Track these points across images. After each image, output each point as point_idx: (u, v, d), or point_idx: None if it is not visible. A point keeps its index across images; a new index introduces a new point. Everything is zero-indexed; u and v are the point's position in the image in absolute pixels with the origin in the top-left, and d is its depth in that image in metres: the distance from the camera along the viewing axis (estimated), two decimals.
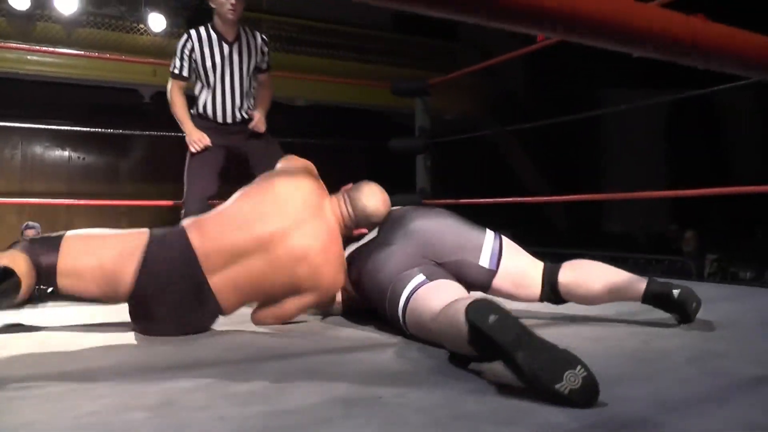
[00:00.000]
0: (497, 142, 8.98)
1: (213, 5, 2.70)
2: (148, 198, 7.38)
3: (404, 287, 1.66)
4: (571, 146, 8.99)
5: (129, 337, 1.80)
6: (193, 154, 2.85)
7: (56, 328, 1.93)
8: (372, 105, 7.07)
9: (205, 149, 2.83)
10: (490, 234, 1.85)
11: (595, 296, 1.82)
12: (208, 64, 2.77)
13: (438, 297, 1.54)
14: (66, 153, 7.26)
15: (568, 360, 1.10)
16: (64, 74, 5.83)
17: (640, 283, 1.77)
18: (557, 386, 1.08)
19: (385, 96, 5.79)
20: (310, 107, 7.46)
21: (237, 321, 2.05)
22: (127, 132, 6.25)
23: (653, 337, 1.68)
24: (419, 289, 1.63)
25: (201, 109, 2.86)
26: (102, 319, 2.11)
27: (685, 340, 1.64)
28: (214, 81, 2.81)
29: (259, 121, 2.84)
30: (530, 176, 9.15)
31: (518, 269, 1.83)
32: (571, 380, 1.09)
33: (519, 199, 4.13)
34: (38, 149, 7.08)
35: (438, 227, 1.81)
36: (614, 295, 1.81)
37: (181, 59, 2.79)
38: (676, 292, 1.74)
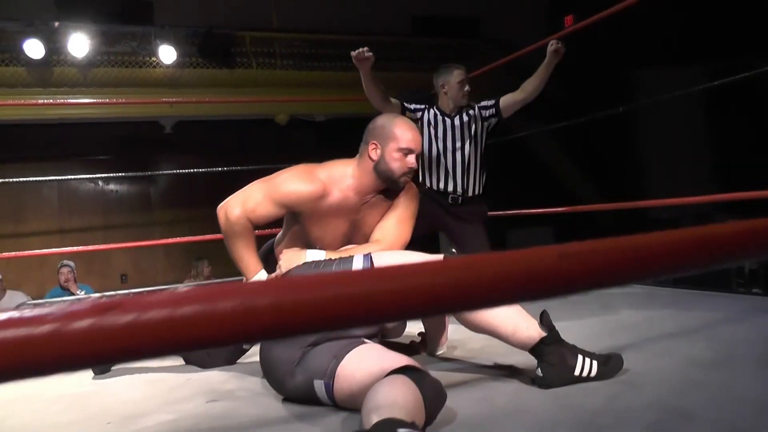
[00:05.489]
0: (529, 141, 8.64)
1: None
2: (181, 224, 7.53)
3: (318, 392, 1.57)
4: (609, 138, 8.58)
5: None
6: None
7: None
8: None
9: None
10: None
11: (477, 326, 1.68)
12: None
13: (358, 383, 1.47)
14: (100, 187, 7.48)
15: None
16: (88, 114, 6.00)
17: (533, 330, 1.61)
18: None
19: None
20: (330, 121, 7.40)
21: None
22: (154, 173, 6.46)
23: (625, 389, 1.51)
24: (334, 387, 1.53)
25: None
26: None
27: (657, 393, 1.46)
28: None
29: None
30: (568, 173, 8.78)
31: None
32: None
33: (559, 209, 3.94)
34: (74, 187, 7.31)
35: None
36: (498, 333, 1.65)
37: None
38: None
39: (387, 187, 1.99)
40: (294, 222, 2.07)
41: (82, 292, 5.27)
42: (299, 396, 1.62)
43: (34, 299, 5.35)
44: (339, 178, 1.96)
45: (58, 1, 7.05)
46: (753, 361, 1.66)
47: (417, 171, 3.22)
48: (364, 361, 1.52)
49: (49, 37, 5.44)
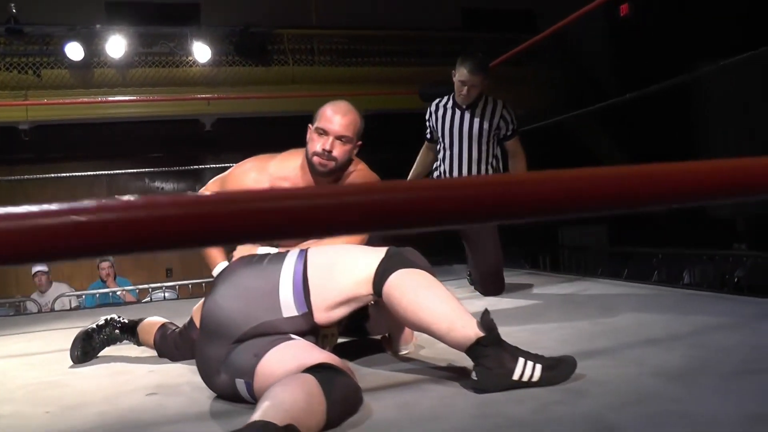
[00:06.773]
0: (579, 130, 8.27)
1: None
2: None
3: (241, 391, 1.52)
4: (660, 122, 8.09)
5: None
6: None
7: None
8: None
9: None
10: (288, 269, 1.58)
11: (411, 323, 1.57)
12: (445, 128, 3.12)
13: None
14: (146, 184, 7.73)
15: None
16: (128, 114, 6.21)
17: (470, 330, 1.48)
18: None
19: None
20: (369, 116, 7.32)
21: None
22: (195, 167, 6.64)
23: (563, 398, 1.37)
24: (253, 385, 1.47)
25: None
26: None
27: (597, 405, 1.31)
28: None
29: None
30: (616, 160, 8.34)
31: (335, 296, 1.55)
32: None
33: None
34: (122, 184, 7.58)
35: (225, 304, 1.57)
36: (433, 331, 1.53)
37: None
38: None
39: (330, 176, 1.88)
40: None
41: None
42: (227, 394, 1.57)
43: (77, 291, 5.58)
44: (289, 171, 1.91)
45: (108, 6, 7.34)
46: (723, 373, 1.47)
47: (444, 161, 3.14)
48: (283, 360, 1.45)
49: (90, 40, 5.66)
